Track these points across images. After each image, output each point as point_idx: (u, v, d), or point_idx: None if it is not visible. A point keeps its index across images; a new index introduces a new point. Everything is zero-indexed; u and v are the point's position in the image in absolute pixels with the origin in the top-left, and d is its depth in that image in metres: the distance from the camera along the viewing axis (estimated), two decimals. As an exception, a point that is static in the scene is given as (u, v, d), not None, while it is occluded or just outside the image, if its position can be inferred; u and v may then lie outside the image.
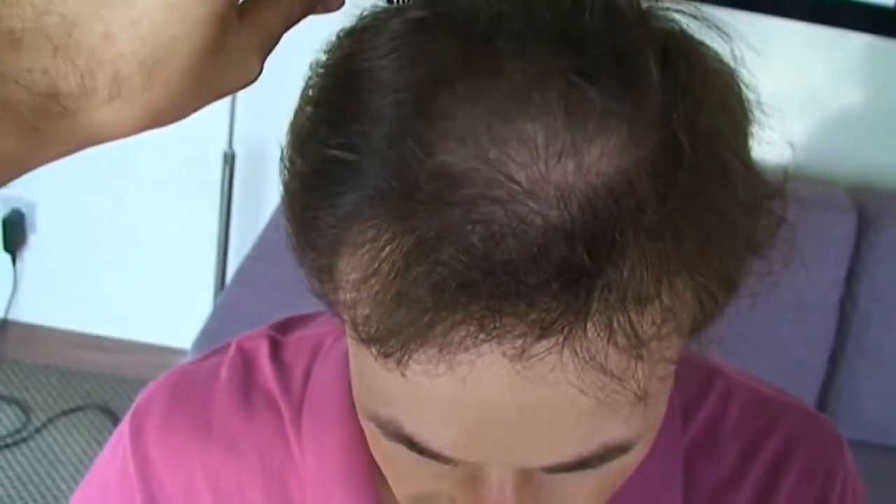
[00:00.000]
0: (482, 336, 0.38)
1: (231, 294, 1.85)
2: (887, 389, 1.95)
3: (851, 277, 1.93)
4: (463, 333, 0.38)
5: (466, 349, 0.39)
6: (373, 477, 0.59)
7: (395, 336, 0.39)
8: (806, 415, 0.67)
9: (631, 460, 0.46)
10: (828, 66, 2.04)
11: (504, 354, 0.39)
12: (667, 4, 0.42)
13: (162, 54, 0.38)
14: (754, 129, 0.44)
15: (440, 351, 0.39)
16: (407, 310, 0.39)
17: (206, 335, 1.70)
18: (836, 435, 0.66)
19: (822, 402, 2.00)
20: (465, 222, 0.37)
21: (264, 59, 0.43)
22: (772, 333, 1.89)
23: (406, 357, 0.40)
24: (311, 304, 0.67)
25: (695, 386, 0.64)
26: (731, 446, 0.64)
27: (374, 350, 0.41)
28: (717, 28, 0.43)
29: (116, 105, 0.38)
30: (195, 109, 0.41)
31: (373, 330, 0.40)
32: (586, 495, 0.47)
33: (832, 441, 0.66)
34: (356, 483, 0.59)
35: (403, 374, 0.41)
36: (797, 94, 2.03)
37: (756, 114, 0.44)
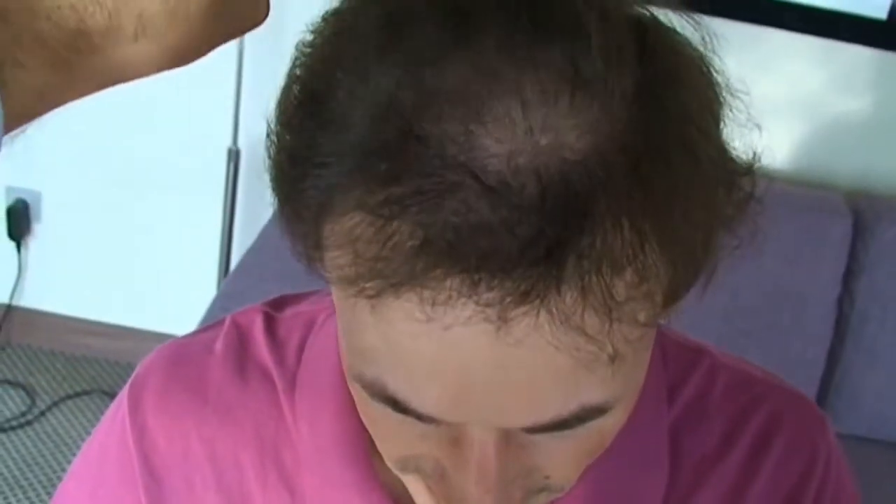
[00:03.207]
0: (462, 290, 0.40)
1: (233, 283, 1.86)
2: (886, 384, 2.01)
3: (849, 279, 1.98)
4: (443, 282, 0.40)
5: (445, 302, 0.40)
6: (366, 445, 0.60)
7: (376, 278, 0.41)
8: (790, 394, 0.67)
9: (609, 424, 0.48)
10: (824, 75, 2.08)
11: (486, 319, 0.40)
12: None
13: None
14: (728, 111, 0.46)
15: (419, 298, 0.41)
16: (389, 261, 0.40)
17: (209, 322, 1.72)
18: (820, 414, 0.67)
19: (822, 397, 2.04)
20: (445, 192, 0.39)
21: None
22: (772, 330, 1.95)
23: (387, 296, 0.41)
24: (310, 294, 0.68)
25: (682, 365, 0.66)
26: (715, 422, 0.65)
27: (353, 291, 0.42)
28: (688, 16, 0.45)
29: (142, 43, 0.39)
30: (209, 50, 0.43)
31: (355, 273, 0.42)
32: (566, 458, 0.48)
33: (815, 420, 0.67)
34: (349, 451, 0.60)
35: (381, 316, 0.42)
36: (795, 103, 2.07)
37: (729, 98, 0.46)
